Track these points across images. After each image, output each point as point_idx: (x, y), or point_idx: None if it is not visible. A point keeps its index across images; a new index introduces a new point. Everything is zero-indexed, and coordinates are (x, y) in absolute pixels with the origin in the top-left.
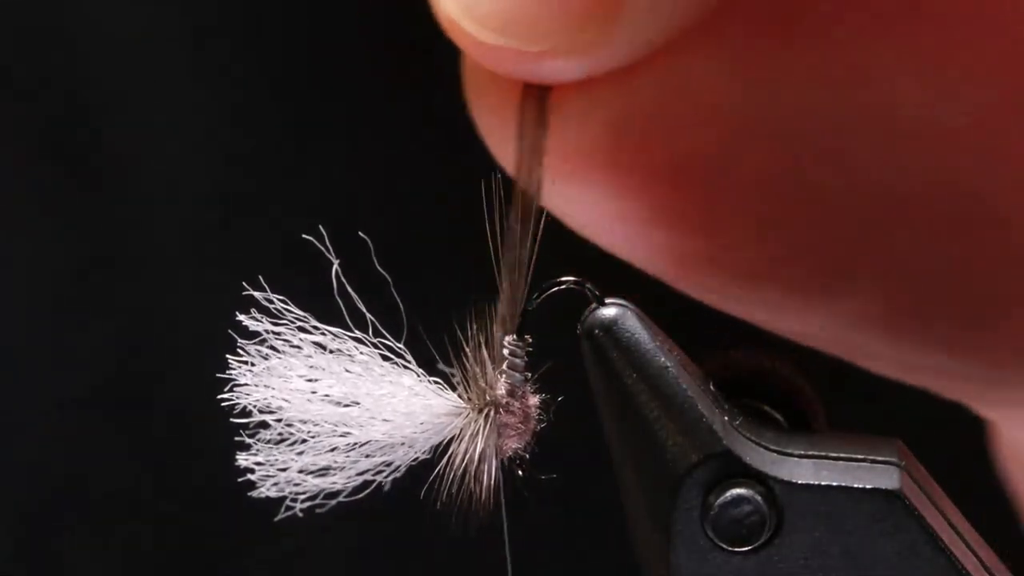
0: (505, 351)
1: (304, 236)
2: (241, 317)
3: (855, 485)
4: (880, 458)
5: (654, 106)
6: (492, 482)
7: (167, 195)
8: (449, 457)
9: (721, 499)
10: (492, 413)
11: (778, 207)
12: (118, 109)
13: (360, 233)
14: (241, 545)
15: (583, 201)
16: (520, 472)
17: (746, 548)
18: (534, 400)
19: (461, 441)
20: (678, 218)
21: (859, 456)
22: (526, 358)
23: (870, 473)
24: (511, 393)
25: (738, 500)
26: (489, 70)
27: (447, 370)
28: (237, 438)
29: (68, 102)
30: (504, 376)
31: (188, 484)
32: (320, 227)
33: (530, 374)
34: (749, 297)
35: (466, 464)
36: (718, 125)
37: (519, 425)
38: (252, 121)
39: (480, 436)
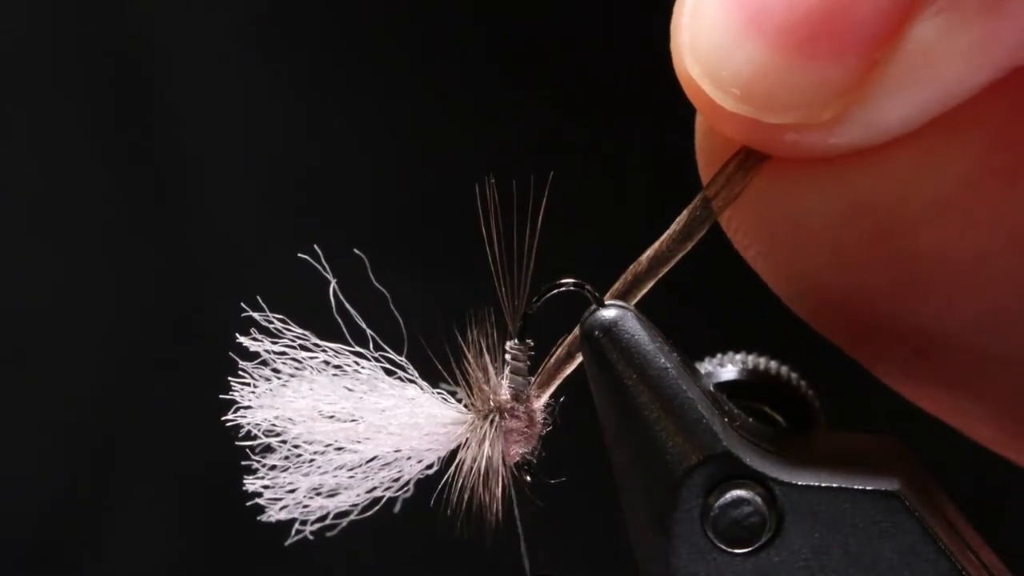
0: (507, 356)
1: (300, 255)
2: (241, 338)
3: (855, 486)
4: (880, 458)
5: (893, 195)
6: (501, 487)
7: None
8: (457, 465)
9: (721, 500)
10: (497, 419)
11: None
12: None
13: (355, 250)
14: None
15: (800, 274)
16: (528, 477)
17: (746, 549)
18: (538, 403)
19: (468, 448)
20: (898, 313)
21: (859, 456)
22: (528, 362)
23: (870, 474)
24: (515, 397)
25: (738, 501)
26: (720, 131)
27: (455, 371)
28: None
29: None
30: (507, 381)
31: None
32: (315, 246)
33: (533, 378)
34: (948, 401)
35: (474, 471)
36: (964, 225)
37: (525, 429)
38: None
39: (486, 442)
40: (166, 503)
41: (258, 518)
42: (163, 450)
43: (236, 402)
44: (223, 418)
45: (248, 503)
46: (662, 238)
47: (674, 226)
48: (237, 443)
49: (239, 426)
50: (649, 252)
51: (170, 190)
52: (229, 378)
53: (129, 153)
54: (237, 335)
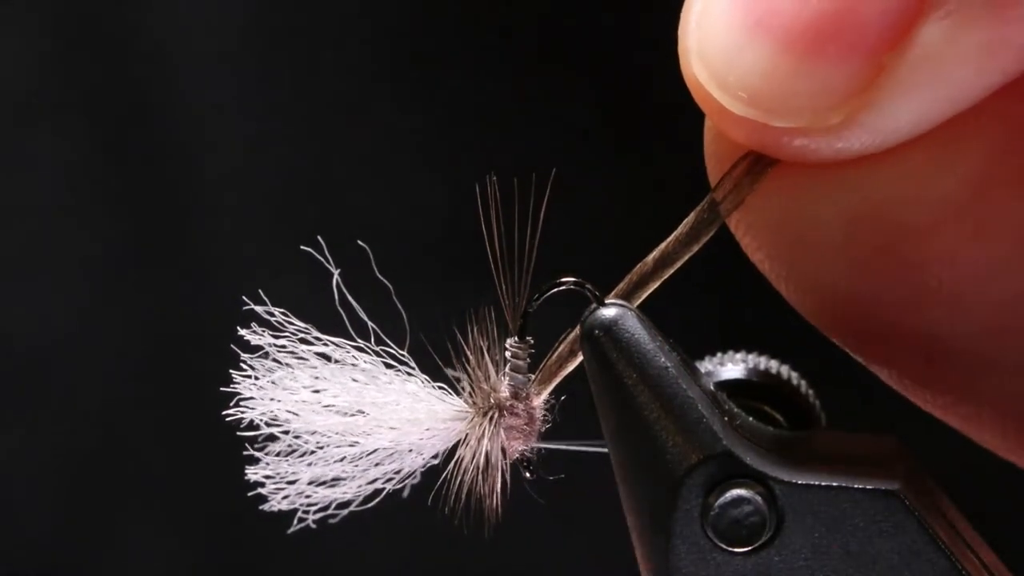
0: (507, 353)
1: (303, 248)
2: (243, 331)
3: (855, 485)
4: (880, 457)
5: (902, 200)
6: (499, 484)
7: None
8: (456, 461)
9: (721, 500)
10: (496, 416)
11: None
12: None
13: (359, 241)
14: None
15: (808, 278)
16: (528, 474)
17: (746, 548)
18: (538, 401)
19: (467, 445)
20: (907, 319)
21: (859, 456)
22: (528, 360)
23: (870, 473)
24: (515, 395)
25: (738, 500)
26: (728, 135)
27: (452, 374)
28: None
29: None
30: (507, 378)
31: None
32: (319, 237)
33: (533, 375)
34: (954, 406)
35: (473, 467)
36: (974, 230)
37: (524, 427)
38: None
39: (485, 439)
40: (172, 523)
41: (263, 532)
42: (170, 470)
43: (239, 395)
44: (223, 412)
45: (255, 524)
46: (668, 239)
47: (681, 228)
48: (244, 458)
49: (246, 436)
50: (655, 253)
51: (175, 198)
52: (231, 371)
53: (131, 157)
54: (240, 330)
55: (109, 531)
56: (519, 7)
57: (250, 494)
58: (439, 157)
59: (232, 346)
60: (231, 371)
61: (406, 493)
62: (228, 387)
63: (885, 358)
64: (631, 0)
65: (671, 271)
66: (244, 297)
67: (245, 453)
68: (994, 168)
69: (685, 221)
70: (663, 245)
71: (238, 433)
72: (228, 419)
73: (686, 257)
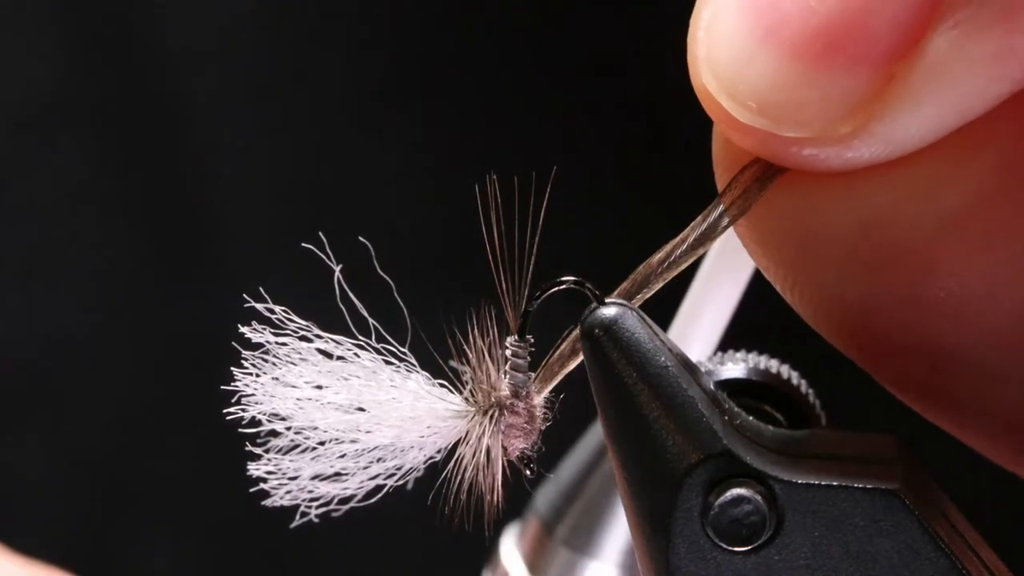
0: (507, 352)
1: (304, 244)
2: (243, 329)
3: (855, 485)
4: (880, 457)
5: (910, 210)
6: (500, 482)
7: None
8: (456, 459)
9: (721, 499)
10: (496, 414)
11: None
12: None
13: (360, 238)
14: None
15: (814, 286)
16: (528, 472)
17: (746, 548)
18: (538, 400)
19: (467, 443)
20: (913, 328)
21: (859, 455)
22: (528, 358)
23: (870, 472)
24: (515, 394)
25: (738, 500)
26: (736, 143)
27: (456, 366)
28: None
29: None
30: (507, 377)
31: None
32: (320, 234)
33: (533, 374)
34: (960, 418)
35: (474, 465)
36: (982, 239)
37: (524, 425)
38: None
39: (486, 437)
40: (184, 524)
41: (274, 533)
42: (182, 487)
43: (243, 392)
44: (225, 411)
45: (266, 526)
46: (674, 242)
47: (687, 232)
48: (252, 456)
49: (250, 433)
50: (660, 255)
51: (183, 201)
52: (232, 368)
53: (139, 163)
54: (242, 329)
55: (121, 533)
56: (521, 8)
57: (253, 490)
58: (440, 156)
59: (235, 344)
60: (237, 370)
61: (409, 488)
62: (235, 386)
63: (890, 367)
64: (636, 2)
65: (674, 273)
66: (245, 295)
67: (250, 451)
68: (1003, 178)
69: (691, 225)
70: (668, 247)
71: (242, 430)
72: (237, 418)
73: (690, 260)
